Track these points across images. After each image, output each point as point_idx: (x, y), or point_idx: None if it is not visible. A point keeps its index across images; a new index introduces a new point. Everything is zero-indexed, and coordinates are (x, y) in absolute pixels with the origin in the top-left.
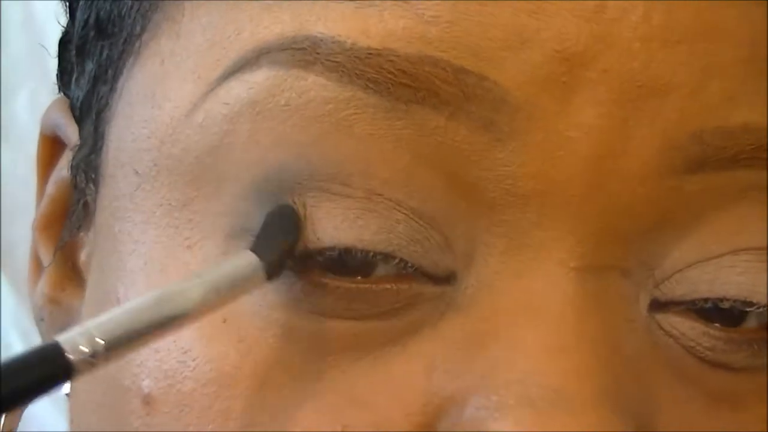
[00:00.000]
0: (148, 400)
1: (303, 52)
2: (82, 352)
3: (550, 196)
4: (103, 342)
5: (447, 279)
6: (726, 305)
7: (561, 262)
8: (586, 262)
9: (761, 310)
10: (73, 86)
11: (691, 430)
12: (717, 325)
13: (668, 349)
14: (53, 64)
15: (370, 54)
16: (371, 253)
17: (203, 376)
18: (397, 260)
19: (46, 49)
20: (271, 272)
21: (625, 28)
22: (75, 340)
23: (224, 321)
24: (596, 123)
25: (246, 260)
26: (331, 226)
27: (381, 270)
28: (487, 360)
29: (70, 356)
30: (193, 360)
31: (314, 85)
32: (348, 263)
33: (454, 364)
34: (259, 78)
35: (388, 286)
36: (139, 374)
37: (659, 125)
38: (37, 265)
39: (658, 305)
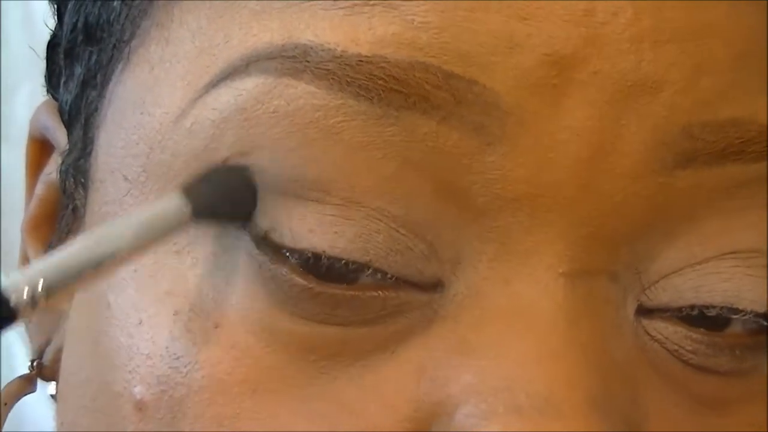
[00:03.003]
0: (140, 406)
1: (293, 60)
2: (27, 296)
3: (541, 199)
4: (43, 286)
5: (434, 286)
6: (712, 313)
7: (550, 267)
8: (575, 266)
9: (746, 317)
10: (61, 90)
11: None
12: (702, 329)
13: (655, 353)
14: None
15: (361, 61)
16: (344, 261)
17: (195, 383)
18: (370, 270)
19: (36, 52)
20: (197, 212)
21: (614, 30)
22: (18, 286)
23: (216, 327)
24: (587, 124)
25: (173, 200)
26: (306, 228)
27: (367, 278)
28: (476, 367)
29: (15, 300)
30: (185, 366)
31: (304, 93)
32: (333, 269)
33: (444, 370)
34: (249, 85)
35: (375, 293)
36: (131, 380)
37: (650, 122)
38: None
39: (644, 310)
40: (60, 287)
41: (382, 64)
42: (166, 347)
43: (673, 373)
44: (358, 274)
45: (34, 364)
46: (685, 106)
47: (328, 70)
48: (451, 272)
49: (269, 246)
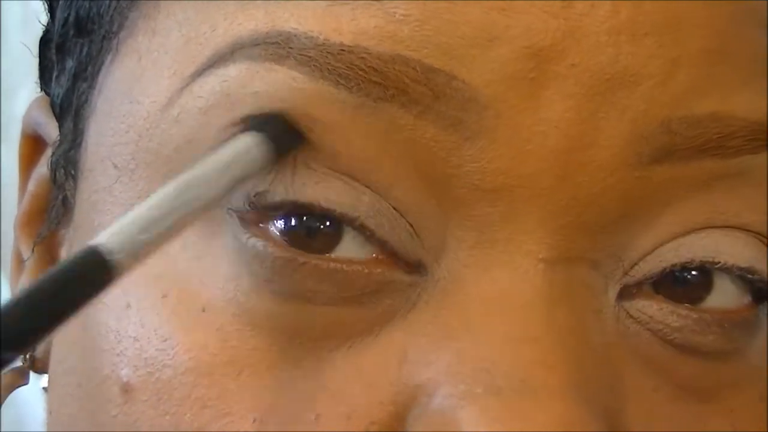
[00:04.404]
0: (126, 389)
1: (276, 47)
2: (125, 253)
3: (519, 189)
4: (143, 239)
5: (417, 268)
6: (694, 265)
7: (530, 253)
8: (554, 253)
9: (729, 267)
10: (53, 84)
11: (658, 419)
12: (686, 304)
13: (637, 337)
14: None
15: (342, 50)
16: (336, 212)
17: (182, 365)
18: (358, 223)
19: (30, 50)
20: (280, 149)
21: (593, 23)
22: (113, 244)
23: (203, 310)
24: (565, 117)
25: (253, 141)
26: (300, 183)
27: (347, 245)
28: (456, 350)
29: (112, 257)
30: (173, 348)
31: (285, 77)
32: (314, 237)
33: (425, 354)
34: (233, 72)
35: (359, 267)
36: (118, 363)
37: (628, 116)
38: (19, 262)
39: (627, 293)
40: (156, 237)
41: (363, 55)
42: (155, 330)
43: (654, 356)
44: (335, 238)
45: (27, 356)
46: (663, 100)
47: (309, 57)
48: (434, 259)
49: (257, 209)
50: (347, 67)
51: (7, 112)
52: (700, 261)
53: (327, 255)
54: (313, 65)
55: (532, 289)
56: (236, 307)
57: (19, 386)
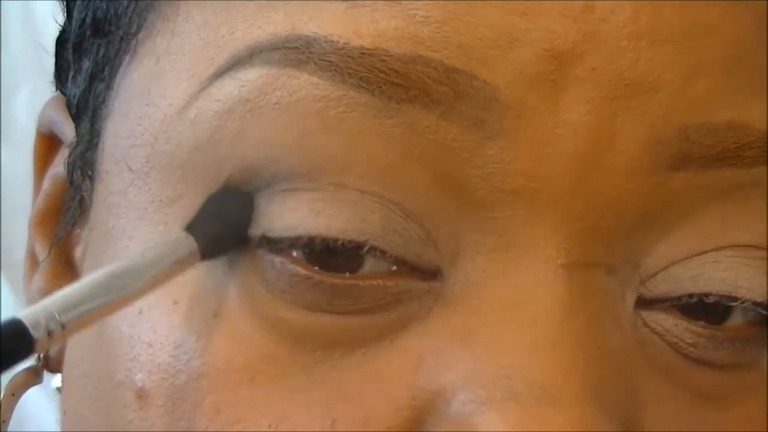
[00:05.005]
0: (141, 394)
1: (296, 51)
2: (44, 329)
3: (538, 192)
4: (61, 319)
5: (433, 274)
6: (711, 300)
7: (548, 259)
8: (572, 259)
9: (745, 305)
10: (69, 84)
11: (676, 427)
12: (701, 322)
13: (654, 346)
14: (53, 64)
15: (363, 54)
16: (340, 241)
17: (195, 371)
18: (367, 247)
19: (45, 48)
20: (206, 253)
21: (612, 27)
22: (37, 318)
23: (215, 315)
24: (584, 120)
25: (182, 241)
26: (299, 217)
27: (368, 266)
28: (475, 355)
29: (33, 333)
30: (186, 354)
31: (306, 83)
32: (335, 255)
33: (442, 358)
34: (252, 76)
35: (375, 282)
36: (132, 368)
37: (646, 121)
38: (33, 261)
39: (644, 302)
40: (76, 321)
41: (384, 57)
42: (166, 336)
43: (671, 365)
44: (357, 257)
45: (41, 356)
46: (680, 107)
47: (330, 61)
48: (450, 263)
49: (268, 245)
50: (368, 70)
51: (7, 112)
52: (718, 295)
53: (345, 273)
54: (334, 70)
55: (552, 295)
56: (249, 314)
57: (33, 385)
